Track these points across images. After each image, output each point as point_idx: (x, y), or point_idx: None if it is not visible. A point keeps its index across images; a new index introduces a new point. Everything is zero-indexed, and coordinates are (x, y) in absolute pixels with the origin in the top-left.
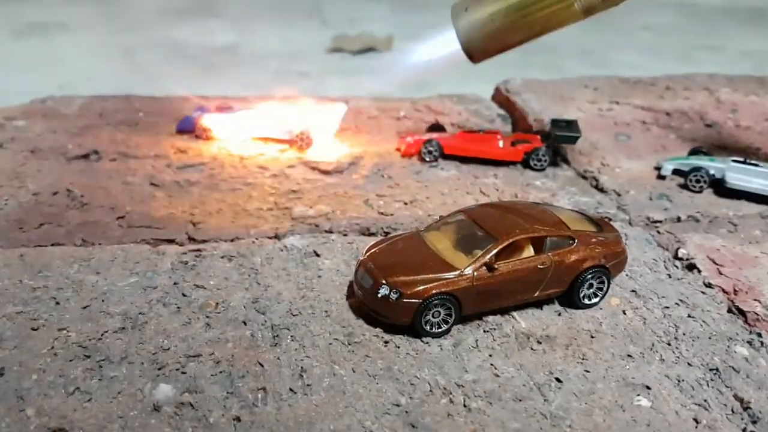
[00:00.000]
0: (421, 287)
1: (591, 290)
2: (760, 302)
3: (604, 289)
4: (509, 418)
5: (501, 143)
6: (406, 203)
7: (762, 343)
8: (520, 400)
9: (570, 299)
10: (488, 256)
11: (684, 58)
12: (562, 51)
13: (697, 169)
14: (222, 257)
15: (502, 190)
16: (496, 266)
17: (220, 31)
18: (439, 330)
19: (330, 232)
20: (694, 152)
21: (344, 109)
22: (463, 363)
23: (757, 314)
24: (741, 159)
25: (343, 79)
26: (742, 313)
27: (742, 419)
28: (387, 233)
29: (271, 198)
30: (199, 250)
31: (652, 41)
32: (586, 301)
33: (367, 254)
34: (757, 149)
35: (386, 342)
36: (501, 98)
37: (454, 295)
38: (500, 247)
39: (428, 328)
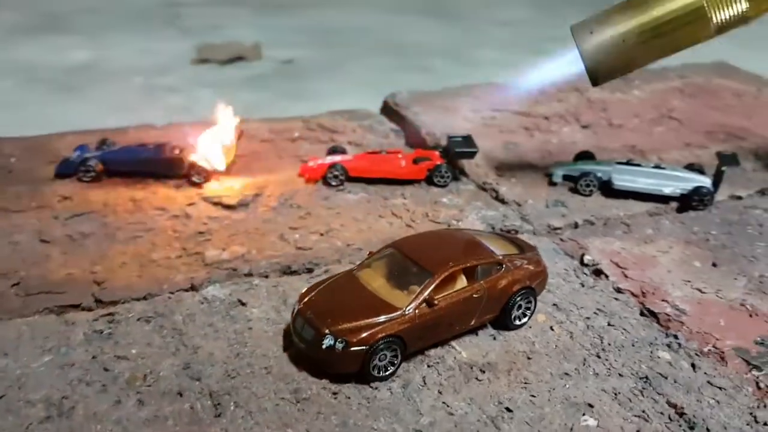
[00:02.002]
0: (367, 333)
1: (520, 311)
2: (668, 302)
3: (532, 308)
4: None
5: (403, 162)
6: (322, 234)
7: (680, 344)
8: None
9: (502, 322)
10: (426, 293)
11: (539, 50)
12: (427, 52)
13: (586, 174)
14: (138, 320)
15: (412, 210)
16: (435, 302)
17: (72, 48)
18: (387, 373)
19: (250, 275)
20: (580, 156)
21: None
22: (417, 405)
23: (668, 315)
24: (624, 161)
25: (215, 91)
26: (654, 315)
27: (680, 426)
28: (309, 269)
29: (177, 243)
30: (110, 314)
31: (508, 37)
32: (517, 322)
33: (304, 302)
34: (633, 146)
35: (335, 394)
36: (390, 112)
37: (399, 336)
38: (437, 281)
39: (376, 372)
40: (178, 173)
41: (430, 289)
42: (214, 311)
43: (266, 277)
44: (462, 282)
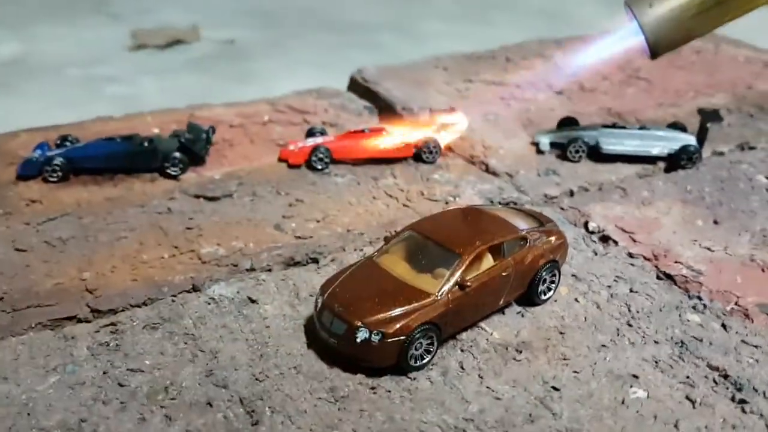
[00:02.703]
0: (402, 322)
1: (545, 285)
2: (682, 264)
3: (556, 281)
4: None
5: (389, 140)
6: (318, 221)
7: (705, 306)
8: (533, 421)
9: (528, 298)
10: (457, 275)
11: (485, 20)
12: (371, 27)
13: (574, 140)
14: (144, 327)
15: (406, 189)
16: (468, 283)
17: None
18: (423, 362)
19: (252, 270)
20: (563, 123)
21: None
22: (461, 393)
23: (685, 276)
24: (609, 124)
25: (158, 78)
26: (670, 278)
27: (727, 388)
28: (314, 259)
29: (166, 241)
30: (112, 324)
31: (453, 7)
32: (543, 297)
33: (328, 295)
34: (608, 108)
35: (373, 389)
36: (360, 89)
37: (435, 323)
38: (467, 262)
39: (413, 362)
40: (152, 166)
41: (460, 271)
42: (225, 312)
43: (269, 270)
44: (489, 261)
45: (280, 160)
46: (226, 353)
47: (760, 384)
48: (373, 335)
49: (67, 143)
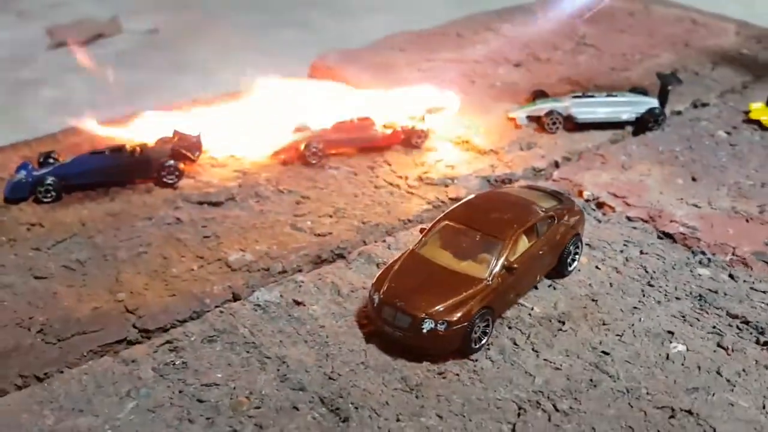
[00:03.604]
0: (463, 310)
1: (570, 258)
2: (677, 222)
3: (580, 252)
4: (601, 406)
5: (377, 129)
6: (331, 216)
7: (709, 260)
8: (596, 386)
9: (556, 271)
10: (503, 259)
11: None
12: (296, 4)
13: (549, 112)
14: (203, 341)
15: (405, 175)
16: (514, 265)
17: None
18: (482, 343)
19: (285, 272)
20: (536, 95)
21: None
22: (523, 368)
23: (683, 234)
24: (579, 93)
25: (87, 77)
26: (670, 237)
27: (751, 333)
28: (340, 255)
29: (189, 252)
30: (168, 342)
31: None
32: (570, 268)
33: (384, 292)
34: (567, 78)
35: (441, 374)
36: (323, 76)
37: (490, 307)
38: (510, 246)
39: (473, 345)
40: (147, 176)
41: (505, 255)
42: (276, 317)
43: (300, 271)
44: (524, 242)
45: (275, 156)
46: (292, 357)
47: None
48: (438, 325)
49: (51, 160)
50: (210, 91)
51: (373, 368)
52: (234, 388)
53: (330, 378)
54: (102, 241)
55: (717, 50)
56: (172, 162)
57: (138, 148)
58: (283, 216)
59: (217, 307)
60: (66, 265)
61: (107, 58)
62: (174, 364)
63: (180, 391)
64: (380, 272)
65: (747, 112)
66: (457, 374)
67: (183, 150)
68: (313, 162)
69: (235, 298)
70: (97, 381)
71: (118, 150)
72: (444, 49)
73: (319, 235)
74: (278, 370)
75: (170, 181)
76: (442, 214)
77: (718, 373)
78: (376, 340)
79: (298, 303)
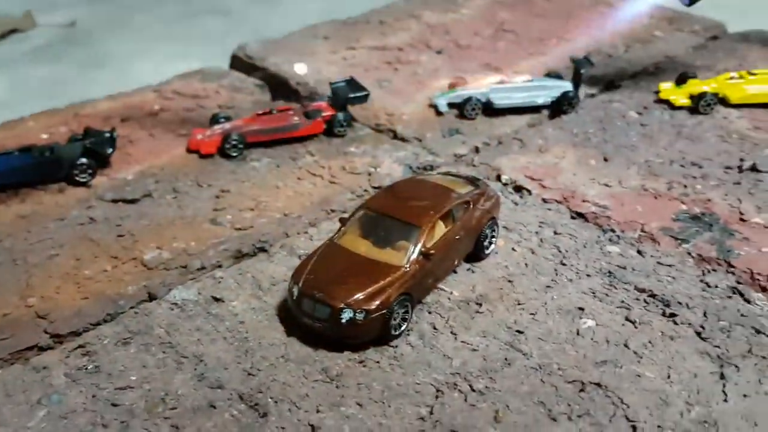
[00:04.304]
0: (382, 298)
1: (487, 241)
2: (589, 202)
3: (496, 235)
4: (515, 384)
5: (297, 119)
6: (252, 209)
7: (618, 237)
8: (510, 364)
9: (474, 255)
10: (420, 245)
11: None
12: None
13: (469, 99)
14: (116, 344)
15: (327, 166)
16: (431, 252)
17: None
18: (401, 330)
19: (203, 269)
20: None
21: None
22: (441, 351)
23: (595, 213)
24: (497, 80)
25: (3, 75)
26: (582, 216)
27: (657, 306)
28: (262, 249)
29: (103, 252)
30: (81, 346)
31: None
32: (486, 251)
33: (303, 282)
34: (487, 64)
35: (361, 362)
36: (245, 66)
37: (408, 293)
38: (426, 232)
39: (393, 332)
40: (59, 176)
41: (422, 241)
42: (193, 315)
43: (219, 267)
44: (441, 227)
45: (190, 150)
46: (210, 355)
47: (682, 297)
48: (357, 314)
49: None
50: (129, 85)
51: (293, 361)
52: (149, 390)
53: (249, 374)
54: (12, 244)
55: (630, 33)
56: (84, 160)
57: (49, 147)
58: (202, 211)
59: (131, 308)
60: None
61: (22, 55)
62: (87, 368)
63: (93, 396)
64: (299, 264)
65: (657, 92)
66: (378, 362)
67: (95, 147)
68: (234, 154)
69: (151, 297)
70: (6, 389)
71: (27, 150)
72: (367, 37)
73: (239, 229)
74: (195, 369)
75: (83, 180)
76: (360, 203)
77: (626, 345)
78: (297, 332)
79: (216, 299)
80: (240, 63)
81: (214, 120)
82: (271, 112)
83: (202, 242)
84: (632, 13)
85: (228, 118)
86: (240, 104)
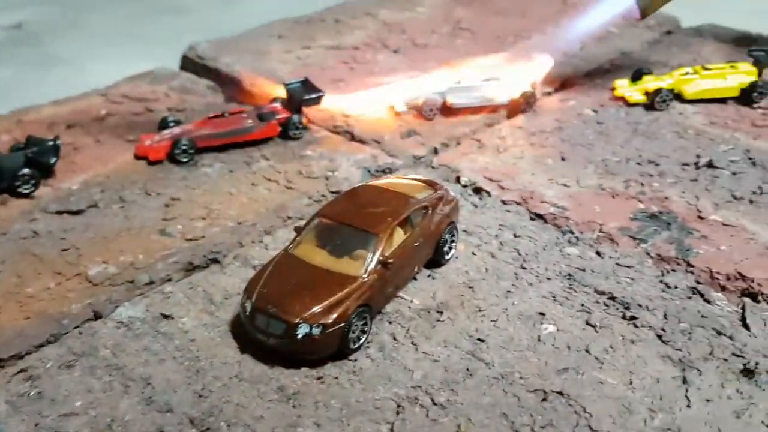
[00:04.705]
0: (339, 311)
1: (447, 246)
2: (547, 203)
3: (456, 240)
4: (477, 395)
5: (251, 121)
6: (204, 218)
7: (577, 238)
8: (472, 375)
9: (434, 261)
10: (378, 254)
11: None
12: None
13: (426, 100)
14: (60, 367)
15: (283, 170)
16: (390, 260)
17: None
18: (360, 342)
19: (152, 283)
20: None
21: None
22: (402, 363)
23: (554, 214)
24: (456, 81)
25: None
26: (541, 217)
27: (617, 309)
28: (213, 260)
29: (47, 268)
30: (23, 370)
31: None
32: (446, 257)
33: (256, 297)
34: (446, 62)
35: (319, 379)
36: (197, 67)
37: (366, 304)
38: (384, 240)
39: (351, 345)
40: (1, 187)
41: (380, 249)
42: (141, 334)
43: (169, 280)
44: (400, 234)
45: (138, 157)
46: (158, 377)
47: (641, 299)
48: (314, 329)
49: None
50: (78, 88)
51: (247, 380)
52: (95, 416)
53: (200, 396)
54: None
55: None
56: (27, 170)
57: None
58: (150, 221)
59: (76, 327)
60: None
61: None
62: (29, 394)
63: (36, 424)
64: (252, 277)
65: (613, 89)
66: (336, 377)
67: (38, 157)
68: (184, 160)
69: (96, 316)
70: None
71: None
72: (322, 36)
73: (190, 239)
74: (143, 392)
75: (26, 191)
76: (316, 211)
77: (587, 351)
78: (251, 349)
79: (165, 316)
80: (191, 64)
81: (164, 124)
82: (223, 115)
83: (151, 255)
84: (597, 20)
85: (178, 122)
86: (191, 107)
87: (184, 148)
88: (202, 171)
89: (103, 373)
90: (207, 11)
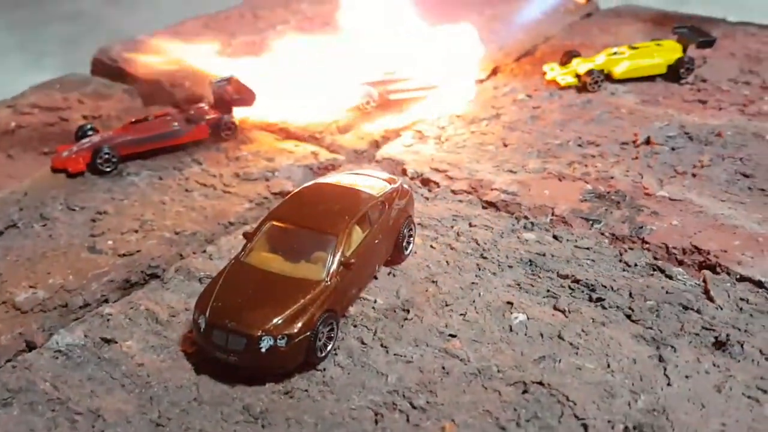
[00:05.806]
0: (304, 319)
1: (405, 241)
2: (497, 190)
3: (414, 234)
4: (456, 394)
5: (178, 124)
6: (137, 231)
7: (532, 223)
8: (448, 373)
9: (394, 257)
10: (339, 255)
11: None
12: None
13: (368, 92)
14: None
15: (218, 174)
16: (352, 260)
17: None
18: (328, 350)
19: (87, 306)
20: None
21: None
22: (374, 368)
23: (505, 201)
24: (391, 71)
25: None
26: (493, 205)
27: (583, 292)
28: (153, 275)
29: None
30: None
31: None
32: (406, 252)
33: (210, 311)
34: (373, 53)
35: (287, 393)
36: (111, 71)
37: (332, 309)
38: (344, 241)
39: (319, 354)
40: None
41: (340, 250)
42: (82, 362)
43: (106, 301)
44: (359, 233)
45: (55, 170)
46: (108, 408)
47: (605, 280)
48: (278, 341)
49: None
50: None
51: (208, 403)
52: None
53: (158, 425)
54: None
55: (507, 17)
56: None
57: None
58: (77, 238)
59: (8, 361)
60: None
61: None
62: None
63: None
64: (203, 290)
65: (544, 74)
66: (306, 390)
67: None
68: (107, 169)
69: (30, 346)
70: None
71: None
72: (242, 32)
73: (124, 255)
74: (93, 426)
75: None
76: (266, 215)
77: (560, 337)
78: (208, 368)
79: (107, 341)
80: (103, 68)
81: (81, 133)
82: (146, 119)
83: (82, 275)
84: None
85: (95, 130)
86: (108, 113)
87: (106, 156)
88: (129, 180)
89: (45, 409)
90: (105, 16)
